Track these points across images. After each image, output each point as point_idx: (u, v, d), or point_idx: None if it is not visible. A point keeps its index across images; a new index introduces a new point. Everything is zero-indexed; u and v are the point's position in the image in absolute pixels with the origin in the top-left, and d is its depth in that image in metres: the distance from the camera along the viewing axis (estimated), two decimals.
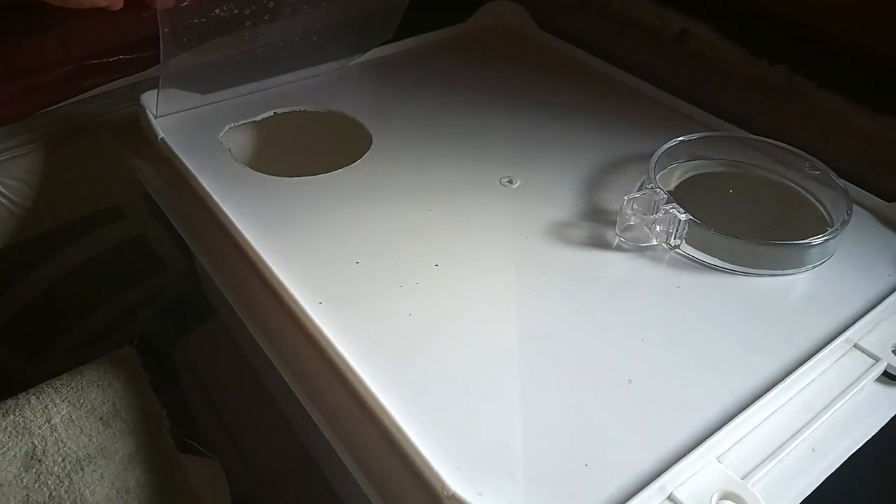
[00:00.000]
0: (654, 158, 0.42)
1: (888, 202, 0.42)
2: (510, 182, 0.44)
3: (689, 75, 0.59)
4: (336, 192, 0.43)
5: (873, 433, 0.33)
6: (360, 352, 0.32)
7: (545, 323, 0.35)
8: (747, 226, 0.41)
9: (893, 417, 0.33)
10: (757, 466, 0.29)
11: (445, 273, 0.37)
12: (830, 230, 0.38)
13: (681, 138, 0.43)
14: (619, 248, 0.40)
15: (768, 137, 0.54)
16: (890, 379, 0.34)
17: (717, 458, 0.30)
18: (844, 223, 0.38)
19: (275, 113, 0.50)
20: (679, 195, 0.43)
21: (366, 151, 0.46)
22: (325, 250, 0.38)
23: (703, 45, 0.58)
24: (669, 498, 0.28)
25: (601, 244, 0.40)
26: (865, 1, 0.50)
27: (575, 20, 0.66)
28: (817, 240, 0.37)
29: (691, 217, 0.38)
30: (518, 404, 0.31)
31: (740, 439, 0.31)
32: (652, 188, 0.40)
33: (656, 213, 0.39)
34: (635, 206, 0.39)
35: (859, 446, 0.32)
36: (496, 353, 0.33)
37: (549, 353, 0.33)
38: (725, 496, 0.28)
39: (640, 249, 0.40)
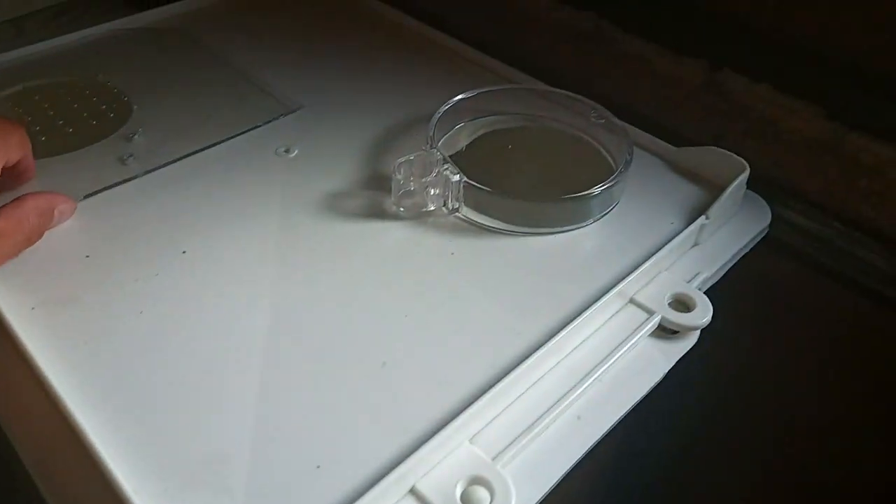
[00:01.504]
0: (436, 118, 0.39)
1: (676, 147, 0.41)
2: (287, 151, 0.40)
3: (501, 25, 0.56)
4: (74, 171, 0.37)
5: (646, 391, 0.31)
6: (72, 361, 0.28)
7: (301, 307, 0.31)
8: (533, 182, 0.39)
9: (670, 372, 0.32)
10: (510, 444, 0.27)
11: (193, 260, 0.33)
12: (607, 180, 0.36)
13: (460, 96, 0.40)
14: (396, 217, 0.37)
15: (576, 85, 0.53)
16: (666, 333, 0.33)
17: (470, 440, 0.27)
18: (623, 171, 0.37)
19: (24, 87, 0.43)
20: (468, 154, 0.40)
21: (123, 125, 0.41)
22: (49, 243, 0.33)
23: None
24: (412, 491, 0.26)
25: (378, 214, 0.37)
26: None
27: None
28: (594, 191, 0.36)
29: (465, 178, 0.35)
30: (253, 406, 0.27)
31: (497, 416, 0.28)
32: (426, 149, 0.37)
33: (430, 175, 0.36)
34: (407, 170, 0.36)
35: (629, 407, 0.30)
36: (237, 348, 0.29)
37: (299, 342, 0.30)
38: (474, 481, 0.26)
39: (418, 216, 0.37)
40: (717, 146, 0.48)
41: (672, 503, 0.66)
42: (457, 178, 0.35)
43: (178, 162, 0.39)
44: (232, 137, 0.40)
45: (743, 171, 0.38)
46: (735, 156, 0.38)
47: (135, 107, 0.42)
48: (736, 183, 0.37)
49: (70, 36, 0.47)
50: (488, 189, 0.35)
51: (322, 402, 0.28)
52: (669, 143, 0.42)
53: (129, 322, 0.30)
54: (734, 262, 0.37)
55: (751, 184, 0.40)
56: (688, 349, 0.33)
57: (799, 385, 0.50)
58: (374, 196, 0.38)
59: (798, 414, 0.52)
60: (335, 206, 0.37)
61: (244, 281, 0.32)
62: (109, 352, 0.29)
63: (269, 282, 0.32)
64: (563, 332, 0.30)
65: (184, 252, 0.33)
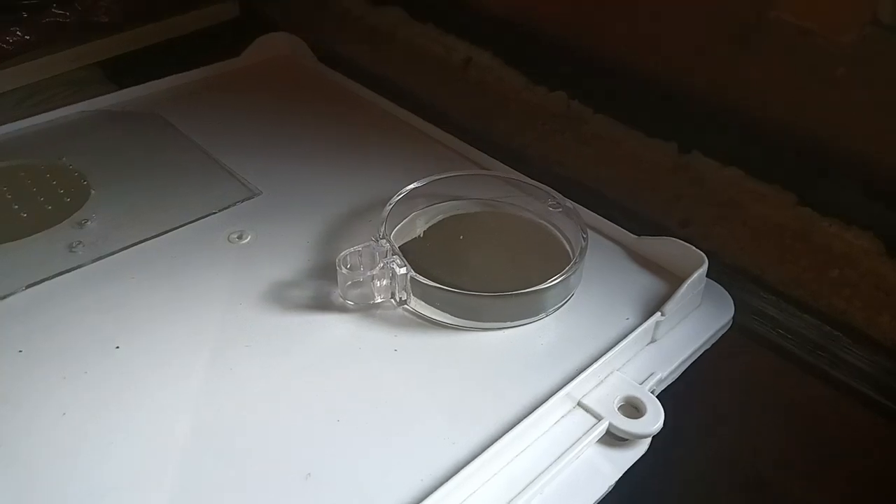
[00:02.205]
0: (387, 209, 0.38)
1: (637, 236, 0.40)
2: (240, 237, 0.40)
3: (473, 104, 0.56)
4: (21, 259, 0.37)
5: (597, 498, 0.29)
6: None
7: (227, 409, 0.30)
8: (488, 273, 0.38)
9: (620, 482, 0.31)
10: None
11: (127, 356, 0.32)
12: (559, 273, 0.35)
13: (412, 185, 0.40)
14: (342, 309, 0.36)
15: (545, 166, 0.52)
16: (615, 439, 0.32)
17: None
18: (577, 262, 0.36)
19: None
20: (424, 241, 0.39)
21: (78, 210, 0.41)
22: None
23: (485, 72, 0.56)
24: None
25: (324, 306, 0.36)
26: (640, 26, 0.49)
27: (360, 53, 0.62)
28: (547, 285, 0.35)
29: (412, 272, 0.34)
30: None
31: None
32: (375, 240, 0.36)
33: (376, 268, 0.35)
34: (354, 261, 0.35)
35: None
36: (155, 457, 0.28)
37: (221, 452, 0.29)
38: None
39: (366, 308, 0.36)
40: (685, 231, 0.47)
41: None
42: (403, 270, 0.35)
43: (128, 250, 0.38)
44: (187, 224, 0.40)
45: (701, 264, 0.37)
46: (693, 248, 0.37)
47: (92, 191, 0.42)
48: (692, 278, 0.36)
49: (39, 117, 0.47)
50: (435, 284, 0.34)
51: None
52: (634, 228, 0.41)
53: (50, 423, 0.29)
54: (693, 359, 0.36)
55: (718, 273, 0.39)
56: (637, 458, 0.31)
57: (769, 474, 0.48)
58: (323, 287, 0.37)
59: None
60: (282, 296, 0.36)
61: (173, 380, 0.31)
62: (27, 454, 0.28)
63: (199, 381, 0.31)
64: (500, 445, 0.28)
65: (117, 347, 0.33)
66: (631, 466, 0.31)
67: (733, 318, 0.38)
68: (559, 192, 0.40)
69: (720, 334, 0.37)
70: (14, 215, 0.40)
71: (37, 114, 0.48)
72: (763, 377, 0.44)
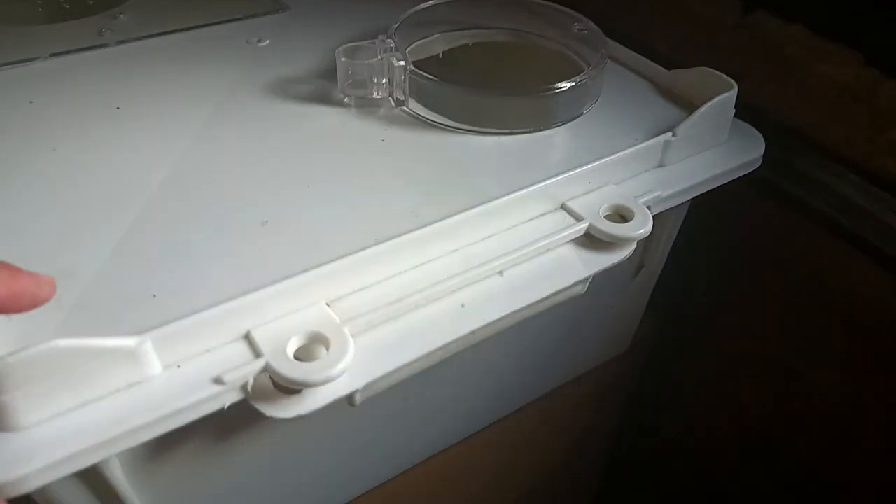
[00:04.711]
0: (408, 12, 0.37)
1: (668, 70, 0.37)
2: (259, 41, 0.40)
3: None
4: (53, 36, 0.38)
5: (548, 292, 0.28)
6: None
7: (203, 167, 0.30)
8: (499, 84, 0.37)
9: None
10: (370, 311, 0.25)
11: (124, 116, 0.33)
12: (565, 81, 0.33)
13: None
14: (340, 104, 0.35)
15: (602, 24, 0.49)
16: (599, 245, 0.30)
17: (328, 303, 0.25)
18: (589, 74, 0.33)
19: None
20: (440, 64, 0.38)
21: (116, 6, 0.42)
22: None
23: None
24: (246, 337, 0.24)
25: (323, 100, 0.35)
26: None
27: None
28: (548, 90, 0.32)
29: (411, 65, 0.33)
30: (115, 239, 0.26)
31: (368, 286, 0.26)
32: (381, 38, 0.35)
33: (374, 59, 0.34)
34: (353, 55, 0.34)
35: (524, 304, 0.27)
36: (129, 187, 0.29)
37: (187, 195, 0.29)
38: (314, 339, 0.24)
39: (364, 106, 0.35)
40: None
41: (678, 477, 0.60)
42: (402, 63, 0.33)
43: (152, 38, 0.39)
44: (211, 24, 0.41)
45: (729, 89, 0.33)
46: (724, 76, 0.34)
47: None
48: (715, 100, 0.33)
49: None
50: (433, 78, 0.33)
51: (182, 241, 0.26)
52: None
53: (42, 156, 0.30)
54: (702, 190, 0.33)
55: (764, 127, 0.35)
56: (613, 262, 0.29)
57: (802, 362, 0.44)
58: (326, 85, 0.36)
59: (808, 392, 0.45)
60: (285, 89, 0.36)
61: (161, 139, 0.32)
62: (21, 176, 0.29)
63: (185, 143, 0.32)
64: (460, 217, 0.27)
65: (118, 108, 0.34)
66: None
67: (762, 157, 0.35)
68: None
69: (741, 172, 0.34)
70: (58, 5, 0.42)
71: None
72: (801, 243, 0.40)
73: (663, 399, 0.55)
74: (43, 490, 0.24)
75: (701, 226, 0.42)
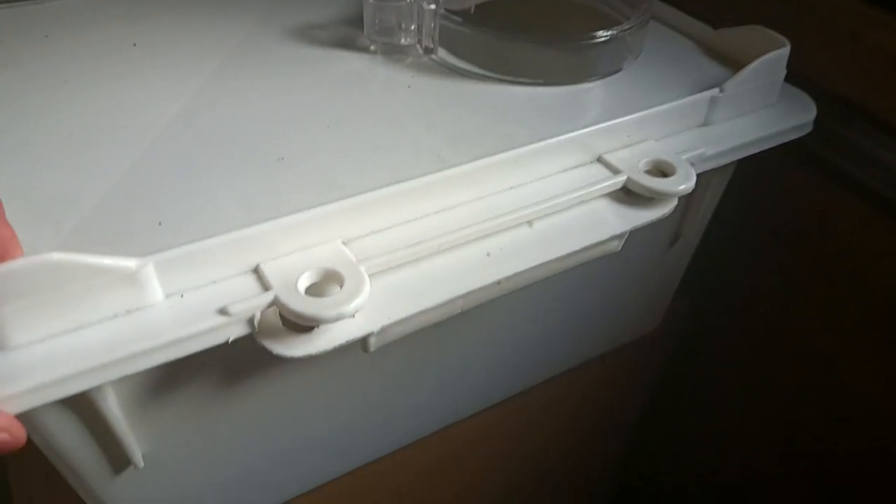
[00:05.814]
0: None
1: (715, 29, 0.35)
2: None
3: None
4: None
5: (579, 246, 0.26)
6: None
7: (219, 105, 0.29)
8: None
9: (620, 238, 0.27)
10: (387, 252, 0.23)
11: (140, 53, 0.32)
12: (602, 31, 0.31)
13: None
14: (366, 51, 0.34)
15: None
16: (638, 201, 0.28)
17: (344, 242, 0.24)
18: (628, 27, 0.31)
19: None
20: (478, 14, 0.36)
21: None
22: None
23: None
24: (255, 270, 0.22)
25: (348, 46, 0.34)
26: None
27: None
28: (582, 41, 0.31)
29: (442, 8, 0.32)
30: (123, 168, 0.25)
31: (387, 228, 0.24)
32: None
33: (404, 2, 0.32)
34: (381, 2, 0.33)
35: (554, 256, 0.25)
36: (142, 120, 0.27)
37: (201, 131, 0.27)
38: (328, 277, 0.22)
39: (391, 53, 0.33)
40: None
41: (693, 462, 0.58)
42: (432, 7, 0.32)
43: None
44: None
45: (781, 46, 0.31)
46: (776, 34, 0.32)
47: None
48: (765, 57, 0.30)
49: None
50: (466, 23, 0.31)
51: (192, 173, 0.25)
52: None
53: (54, 88, 0.29)
54: (750, 151, 0.31)
55: (815, 97, 0.33)
56: (651, 219, 0.27)
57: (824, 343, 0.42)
58: (351, 31, 0.35)
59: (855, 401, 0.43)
60: (307, 34, 0.34)
61: (176, 78, 0.30)
62: (36, 106, 0.28)
63: (201, 81, 0.30)
64: (489, 159, 0.25)
65: (134, 44, 0.32)
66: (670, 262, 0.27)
67: (814, 122, 0.32)
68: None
69: (792, 136, 0.32)
70: None
71: None
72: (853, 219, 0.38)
73: (689, 387, 0.53)
74: (39, 428, 0.23)
75: (739, 200, 0.39)
